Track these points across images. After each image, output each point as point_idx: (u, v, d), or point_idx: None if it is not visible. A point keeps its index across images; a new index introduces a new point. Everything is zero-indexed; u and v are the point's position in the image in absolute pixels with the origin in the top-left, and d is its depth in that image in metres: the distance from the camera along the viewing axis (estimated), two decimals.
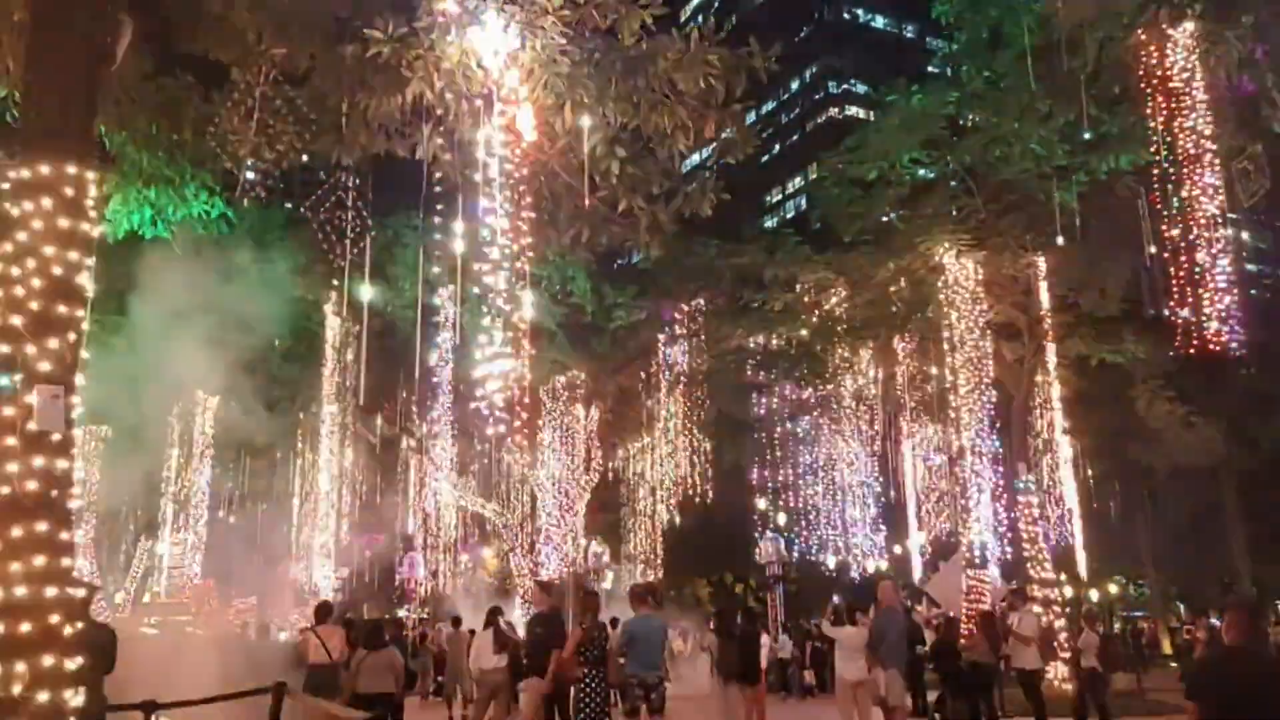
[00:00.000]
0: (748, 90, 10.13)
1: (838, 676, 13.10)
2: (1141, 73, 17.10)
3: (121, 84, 9.67)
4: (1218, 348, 15.94)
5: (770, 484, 34.87)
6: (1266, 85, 18.00)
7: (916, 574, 30.46)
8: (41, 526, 6.13)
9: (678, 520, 34.21)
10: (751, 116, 12.95)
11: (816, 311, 27.60)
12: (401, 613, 37.39)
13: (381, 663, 11.90)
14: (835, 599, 14.30)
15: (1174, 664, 33.64)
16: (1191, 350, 16.63)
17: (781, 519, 34.76)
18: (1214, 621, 31.81)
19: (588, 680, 10.74)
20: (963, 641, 16.11)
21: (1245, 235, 20.43)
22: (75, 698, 6.19)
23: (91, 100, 7.07)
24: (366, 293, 24.18)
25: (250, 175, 12.35)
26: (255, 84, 10.27)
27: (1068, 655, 19.36)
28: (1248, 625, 5.52)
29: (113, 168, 10.92)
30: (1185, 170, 16.26)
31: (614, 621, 14.16)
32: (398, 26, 9.54)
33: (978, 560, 22.09)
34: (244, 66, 10.21)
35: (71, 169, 6.69)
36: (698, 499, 33.73)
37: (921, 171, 24.68)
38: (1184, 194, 16.19)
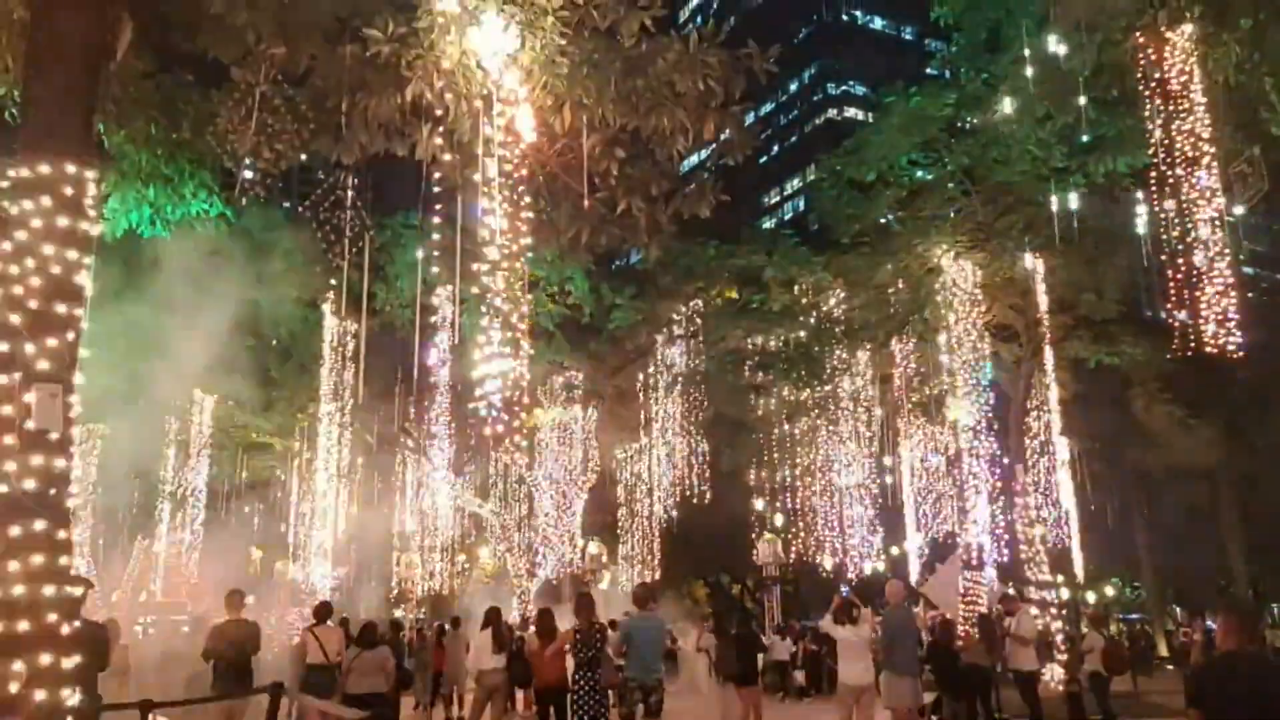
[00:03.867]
0: (746, 91, 10.13)
1: (839, 680, 12.12)
2: (1139, 75, 17.11)
3: (121, 82, 9.66)
4: (1215, 350, 15.96)
5: (768, 485, 34.88)
6: (1264, 88, 18.02)
7: (913, 576, 30.46)
8: (39, 525, 6.13)
9: (675, 521, 34.19)
10: (750, 118, 12.97)
11: (814, 312, 27.65)
12: (398, 613, 37.34)
13: (373, 662, 11.93)
14: (844, 591, 13.15)
15: (1170, 666, 33.66)
16: (1189, 353, 16.64)
17: (779, 520, 34.76)
18: (1210, 624, 31.89)
19: (581, 681, 10.70)
20: (959, 643, 16.12)
21: (1243, 238, 20.46)
22: (72, 696, 6.18)
23: (91, 99, 7.06)
24: (365, 293, 24.14)
25: (249, 175, 12.35)
26: (254, 83, 10.26)
27: (1064, 658, 19.39)
28: (1242, 628, 5.51)
29: (111, 166, 10.91)
30: (1183, 173, 16.28)
31: (613, 624, 14.14)
32: (397, 26, 9.54)
33: (975, 562, 22.11)
34: (243, 65, 10.21)
35: (71, 168, 6.68)
36: (695, 500, 33.75)
37: (920, 173, 24.72)
38: (1181, 196, 16.20)
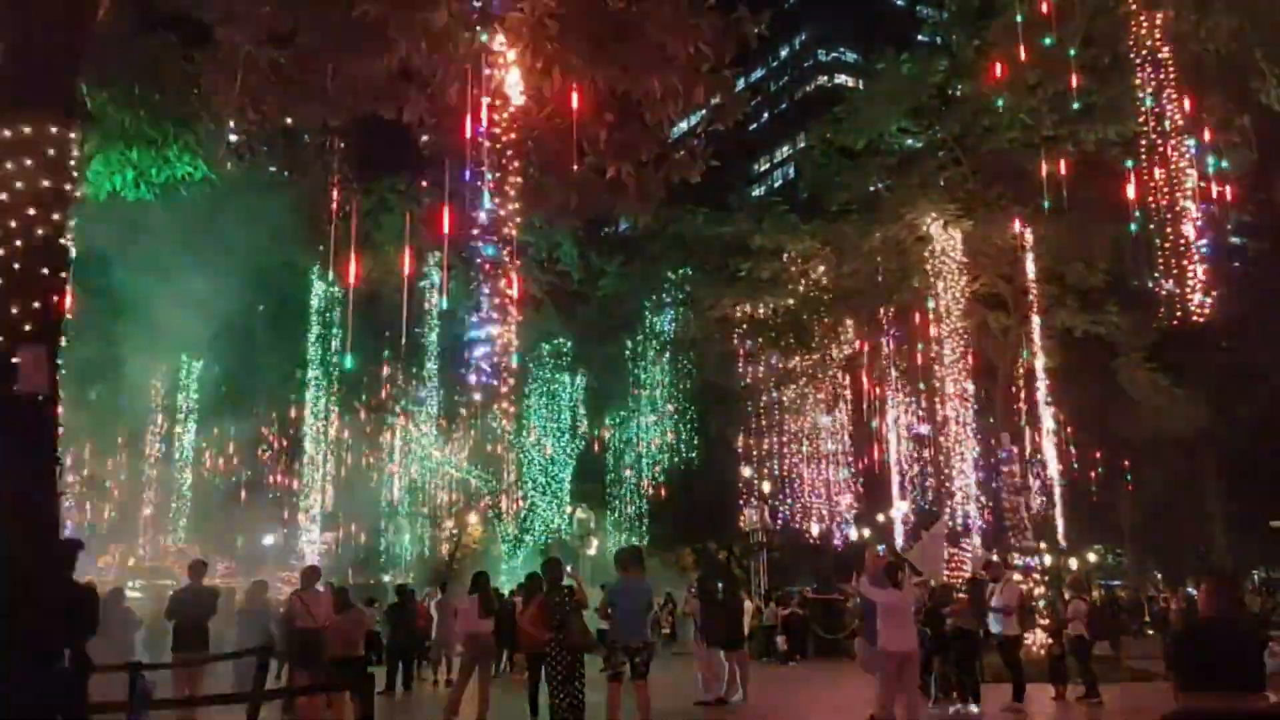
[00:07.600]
0: (737, 56, 10.03)
1: (881, 648, 11.20)
2: (1131, 43, 17.07)
3: (104, 43, 9.52)
4: (1200, 319, 16.06)
5: (755, 452, 34.97)
6: (1255, 57, 18.02)
7: (899, 542, 30.70)
8: (26, 487, 6.11)
9: (663, 488, 34.32)
10: (740, 84, 12.85)
11: (803, 280, 27.63)
12: (386, 578, 37.45)
13: (346, 626, 11.97)
14: (881, 550, 12.40)
15: (1150, 632, 34.09)
16: (1174, 322, 16.75)
17: (766, 487, 34.91)
18: (1190, 591, 32.33)
19: (553, 644, 10.75)
20: (947, 607, 16.24)
21: (1230, 208, 20.53)
22: (60, 659, 6.20)
23: (74, 59, 6.96)
24: (353, 258, 24.00)
25: (234, 137, 12.19)
26: (239, 44, 10.11)
27: (1046, 622, 19.61)
28: (1223, 596, 5.61)
29: (95, 128, 10.77)
30: (1172, 142, 16.29)
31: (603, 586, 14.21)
32: None
33: (960, 529, 22.31)
34: (227, 26, 10.06)
35: (53, 129, 6.61)
36: (683, 467, 33.86)
37: (910, 141, 24.68)
38: (1170, 165, 16.23)
